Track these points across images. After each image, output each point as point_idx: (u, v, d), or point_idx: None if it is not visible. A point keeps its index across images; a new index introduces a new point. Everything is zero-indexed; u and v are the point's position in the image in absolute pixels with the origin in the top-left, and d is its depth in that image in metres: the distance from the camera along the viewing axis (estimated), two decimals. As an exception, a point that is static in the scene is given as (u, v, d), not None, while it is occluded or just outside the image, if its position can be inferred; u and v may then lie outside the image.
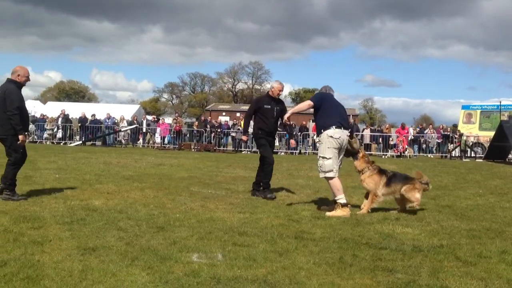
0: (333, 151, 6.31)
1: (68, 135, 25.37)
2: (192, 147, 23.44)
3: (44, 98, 70.10)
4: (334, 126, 6.32)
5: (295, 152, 23.09)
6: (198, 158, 16.68)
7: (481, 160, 19.97)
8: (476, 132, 23.61)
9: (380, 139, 23.63)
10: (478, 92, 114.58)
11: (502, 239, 5.11)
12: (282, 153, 22.84)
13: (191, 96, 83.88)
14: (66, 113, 26.44)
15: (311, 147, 23.94)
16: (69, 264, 3.78)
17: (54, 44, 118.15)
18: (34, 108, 41.82)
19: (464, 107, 25.18)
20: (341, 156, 6.50)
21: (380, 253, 4.45)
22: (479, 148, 22.71)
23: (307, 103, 6.62)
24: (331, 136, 6.30)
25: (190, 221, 5.57)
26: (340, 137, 6.32)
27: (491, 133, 20.39)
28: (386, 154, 22.92)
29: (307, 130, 24.42)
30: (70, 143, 24.28)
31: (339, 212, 6.21)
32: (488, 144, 20.69)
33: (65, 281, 3.43)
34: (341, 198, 6.30)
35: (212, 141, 24.24)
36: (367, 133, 24.27)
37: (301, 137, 23.57)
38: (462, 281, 3.66)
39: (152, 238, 4.71)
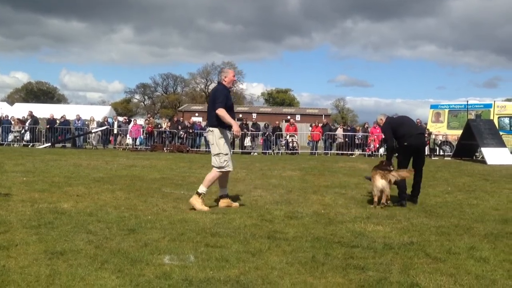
0: None
1: (36, 137, 24.76)
2: (164, 148, 23.21)
3: (11, 99, 68.28)
4: None
5: (267, 153, 23.15)
6: (170, 159, 16.52)
7: (450, 158, 20.41)
8: (444, 131, 24.12)
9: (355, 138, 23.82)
10: (447, 91, 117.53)
11: (470, 236, 5.22)
12: (255, 153, 22.84)
13: (164, 97, 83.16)
14: (33, 115, 25.82)
15: (284, 147, 24.02)
16: (36, 269, 3.68)
17: (21, 44, 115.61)
18: (1, 109, 40.72)
19: (433, 107, 25.69)
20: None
21: (352, 251, 4.49)
22: (447, 146, 23.19)
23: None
24: None
25: (162, 223, 5.50)
26: None
27: (459, 132, 20.83)
28: (354, 154, 23.12)
29: (281, 130, 24.50)
30: (39, 145, 23.72)
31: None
32: (456, 143, 21.15)
33: (31, 286, 3.34)
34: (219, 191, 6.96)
35: (184, 142, 24.05)
36: (340, 132, 24.46)
37: (274, 138, 23.61)
38: (432, 278, 3.72)
39: (122, 241, 4.63)
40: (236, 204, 6.90)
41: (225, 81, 6.78)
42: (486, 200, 7.98)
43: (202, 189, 6.61)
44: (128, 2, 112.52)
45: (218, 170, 6.64)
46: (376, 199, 7.09)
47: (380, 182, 7.03)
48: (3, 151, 18.30)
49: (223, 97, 6.56)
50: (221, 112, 6.46)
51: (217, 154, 6.59)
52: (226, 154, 6.61)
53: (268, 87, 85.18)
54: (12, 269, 3.68)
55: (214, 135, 6.60)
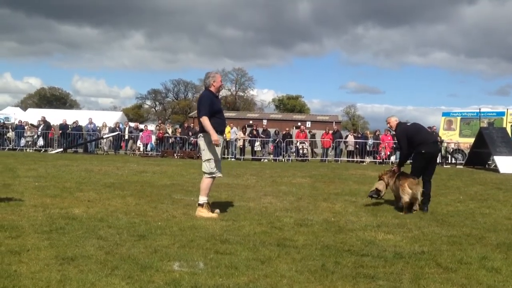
0: None
1: (49, 142, 24.99)
2: (175, 154, 23.29)
3: (24, 104, 69.04)
4: None
5: (278, 159, 23.11)
6: (181, 165, 16.57)
7: (462, 167, 20.22)
8: (456, 138, 23.92)
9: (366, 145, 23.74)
10: (458, 99, 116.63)
11: (482, 245, 5.17)
12: (266, 160, 22.82)
13: (175, 102, 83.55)
14: (46, 120, 26.07)
15: (294, 154, 23.96)
16: (47, 274, 3.71)
17: (34, 49, 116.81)
18: (14, 115, 41.18)
19: (445, 114, 25.49)
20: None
21: (362, 260, 4.46)
22: (459, 154, 22.97)
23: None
24: None
25: (172, 229, 5.52)
26: None
27: (471, 140, 20.64)
28: (364, 161, 23.00)
29: (291, 137, 24.47)
30: (51, 151, 23.94)
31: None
32: (468, 151, 20.95)
33: (42, 291, 3.36)
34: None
35: (195, 148, 24.10)
36: (351, 139, 24.34)
37: (284, 145, 23.56)
38: (442, 288, 3.68)
39: (132, 247, 4.65)
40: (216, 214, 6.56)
41: (214, 86, 6.67)
42: (498, 209, 7.89)
43: (201, 199, 6.58)
44: (139, 8, 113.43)
45: (209, 176, 6.61)
46: (406, 206, 7.24)
47: (409, 190, 7.19)
48: (16, 156, 18.50)
49: (208, 104, 6.49)
50: (204, 120, 6.43)
51: (208, 160, 6.55)
52: (217, 160, 6.56)
53: (279, 94, 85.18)
54: (24, 274, 3.71)
55: (204, 141, 6.56)
